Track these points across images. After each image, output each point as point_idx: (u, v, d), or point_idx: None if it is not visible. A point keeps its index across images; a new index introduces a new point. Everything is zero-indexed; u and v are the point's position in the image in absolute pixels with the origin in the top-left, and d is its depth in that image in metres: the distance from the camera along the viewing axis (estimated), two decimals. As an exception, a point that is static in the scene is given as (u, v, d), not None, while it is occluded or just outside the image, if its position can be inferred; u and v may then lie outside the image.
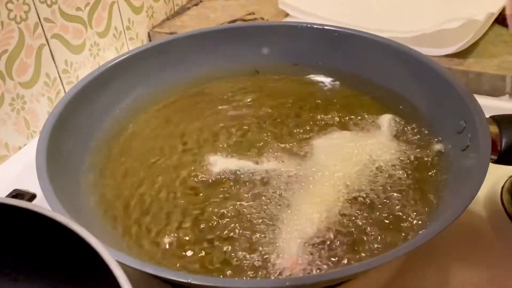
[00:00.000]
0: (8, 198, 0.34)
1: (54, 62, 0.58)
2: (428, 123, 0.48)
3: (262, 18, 0.76)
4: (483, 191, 0.46)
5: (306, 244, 0.36)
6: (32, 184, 0.42)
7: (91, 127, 0.47)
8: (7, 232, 0.33)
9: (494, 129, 0.40)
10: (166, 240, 0.38)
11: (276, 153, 0.45)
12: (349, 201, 0.40)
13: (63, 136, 0.44)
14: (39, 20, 0.54)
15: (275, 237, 0.37)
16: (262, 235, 0.37)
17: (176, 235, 0.38)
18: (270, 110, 0.52)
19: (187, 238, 0.38)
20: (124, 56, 0.52)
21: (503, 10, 0.67)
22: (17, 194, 0.43)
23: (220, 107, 0.53)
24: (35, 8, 0.53)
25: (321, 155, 0.45)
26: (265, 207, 0.39)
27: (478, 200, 0.46)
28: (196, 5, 0.82)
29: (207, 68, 0.56)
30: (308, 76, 0.57)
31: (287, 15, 0.76)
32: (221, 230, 0.38)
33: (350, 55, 0.55)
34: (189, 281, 0.28)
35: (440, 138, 0.46)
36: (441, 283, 0.40)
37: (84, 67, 0.62)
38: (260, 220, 0.38)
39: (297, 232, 0.36)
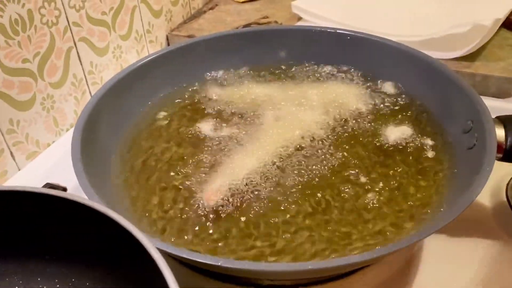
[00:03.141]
0: (47, 189, 0.37)
1: (81, 64, 0.61)
2: (436, 123, 0.50)
3: (276, 22, 0.79)
4: (489, 188, 0.48)
5: (230, 184, 0.43)
6: (62, 178, 0.45)
7: (120, 122, 0.50)
8: (44, 220, 0.36)
9: (500, 128, 0.42)
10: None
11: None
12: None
13: (94, 131, 0.46)
14: (68, 24, 0.57)
15: (210, 178, 0.44)
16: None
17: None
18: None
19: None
20: (159, 53, 0.55)
21: (510, 15, 0.70)
22: (50, 187, 0.46)
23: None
24: (65, 13, 0.56)
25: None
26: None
27: (484, 197, 0.48)
28: (212, 8, 0.84)
29: (225, 69, 0.59)
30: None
31: (299, 19, 0.79)
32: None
33: (362, 58, 0.57)
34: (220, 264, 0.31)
35: (447, 138, 0.47)
36: (446, 276, 0.42)
37: (108, 68, 0.65)
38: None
39: (228, 175, 0.43)
